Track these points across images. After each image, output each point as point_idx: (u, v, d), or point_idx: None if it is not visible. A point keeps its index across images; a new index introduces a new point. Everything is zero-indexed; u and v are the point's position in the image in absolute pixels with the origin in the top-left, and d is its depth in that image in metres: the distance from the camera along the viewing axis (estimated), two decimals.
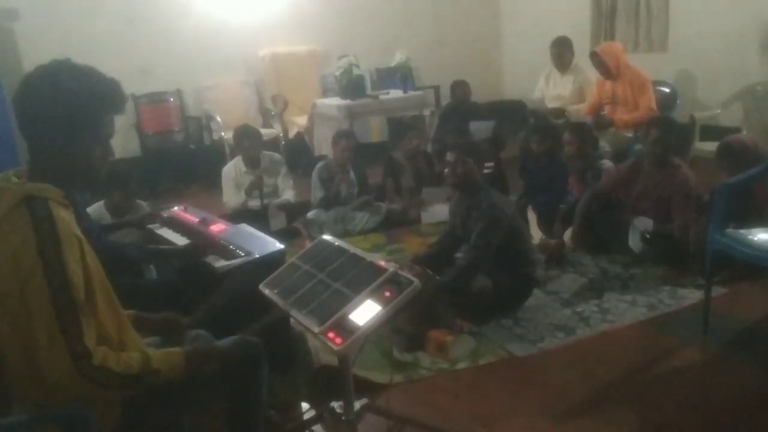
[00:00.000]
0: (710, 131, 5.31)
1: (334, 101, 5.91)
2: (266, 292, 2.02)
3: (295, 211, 4.78)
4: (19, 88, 1.50)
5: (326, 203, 4.73)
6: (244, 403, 1.84)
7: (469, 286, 3.11)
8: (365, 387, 2.47)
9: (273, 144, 6.03)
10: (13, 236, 1.41)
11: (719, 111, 5.63)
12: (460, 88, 6.05)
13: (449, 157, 3.25)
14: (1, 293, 1.45)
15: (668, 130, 3.77)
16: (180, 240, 2.89)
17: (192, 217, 3.09)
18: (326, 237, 2.21)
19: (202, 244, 2.72)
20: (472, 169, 3.21)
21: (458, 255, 3.44)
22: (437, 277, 3.07)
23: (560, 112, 5.35)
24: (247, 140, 4.66)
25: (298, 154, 6.26)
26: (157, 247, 2.90)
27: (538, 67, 6.03)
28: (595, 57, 5.13)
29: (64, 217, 1.47)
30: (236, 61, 6.68)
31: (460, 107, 5.98)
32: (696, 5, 5.86)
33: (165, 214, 3.23)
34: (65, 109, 1.48)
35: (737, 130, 5.19)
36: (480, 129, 5.55)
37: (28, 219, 1.41)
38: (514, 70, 7.95)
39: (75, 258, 1.43)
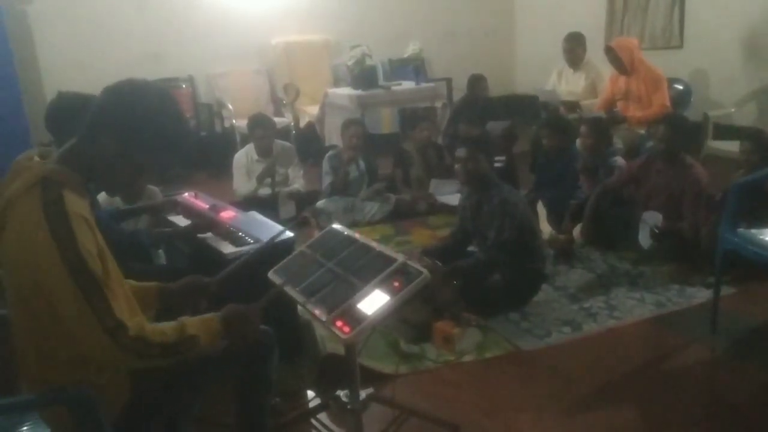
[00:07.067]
0: (723, 130, 5.26)
1: (345, 91, 5.89)
2: (275, 279, 2.02)
3: (304, 200, 4.79)
4: (109, 89, 1.51)
5: (335, 188, 4.73)
6: (253, 389, 1.85)
7: (483, 280, 3.11)
8: (371, 377, 2.49)
9: (284, 133, 6.01)
10: (26, 216, 1.42)
11: (733, 110, 5.58)
12: (479, 83, 5.99)
13: (460, 152, 3.23)
14: (14, 272, 1.46)
15: (675, 128, 3.73)
16: None
17: (202, 204, 3.10)
18: (336, 226, 2.21)
19: (204, 222, 2.82)
20: (483, 166, 3.20)
21: (471, 249, 3.43)
22: (445, 269, 3.07)
23: (574, 106, 5.32)
24: (260, 129, 4.67)
25: (308, 144, 6.26)
26: (162, 230, 2.97)
27: (552, 60, 5.98)
28: (609, 51, 5.09)
29: (75, 200, 1.47)
30: (248, 49, 6.68)
31: (476, 102, 5.93)
32: (712, 1, 5.80)
33: (176, 200, 3.24)
34: (139, 124, 1.49)
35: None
36: (496, 128, 5.51)
37: (39, 200, 1.41)
38: (527, 64, 7.90)
39: (87, 237, 1.44)
